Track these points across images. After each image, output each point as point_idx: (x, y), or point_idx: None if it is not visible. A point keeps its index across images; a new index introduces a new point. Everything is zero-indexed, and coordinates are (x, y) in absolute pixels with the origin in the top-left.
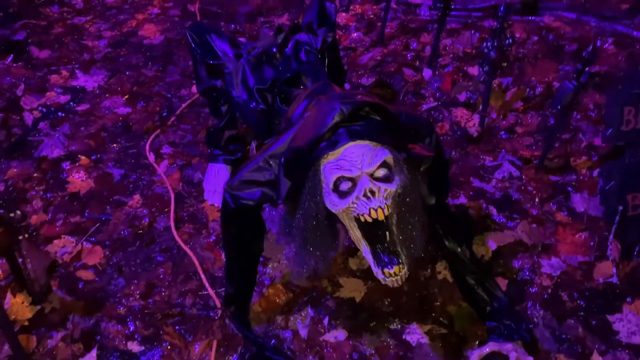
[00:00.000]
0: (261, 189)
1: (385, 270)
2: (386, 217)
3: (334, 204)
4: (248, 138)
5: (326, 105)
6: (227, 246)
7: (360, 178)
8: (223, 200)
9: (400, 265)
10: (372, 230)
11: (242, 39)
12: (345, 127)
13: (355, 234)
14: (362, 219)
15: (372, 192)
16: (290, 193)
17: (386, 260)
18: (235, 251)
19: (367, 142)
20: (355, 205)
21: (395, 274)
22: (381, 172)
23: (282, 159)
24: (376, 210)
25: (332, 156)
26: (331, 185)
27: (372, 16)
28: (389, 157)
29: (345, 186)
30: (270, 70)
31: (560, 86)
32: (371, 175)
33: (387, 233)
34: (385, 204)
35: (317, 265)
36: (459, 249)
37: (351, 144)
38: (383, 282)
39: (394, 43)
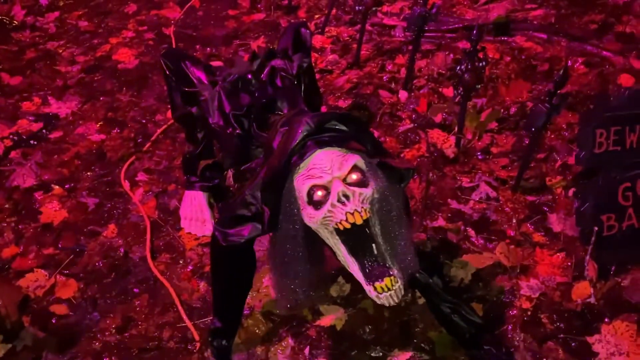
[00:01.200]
0: (250, 224)
1: (377, 284)
2: (369, 226)
3: (311, 217)
4: (225, 164)
5: (295, 123)
6: (217, 283)
7: (332, 184)
8: (213, 239)
9: (392, 278)
10: (357, 242)
11: (217, 63)
12: (314, 139)
13: (340, 250)
14: (340, 227)
15: (346, 196)
16: (272, 221)
17: (376, 273)
18: (226, 288)
19: (335, 149)
20: (331, 213)
21: (388, 288)
22: (353, 177)
23: (261, 185)
24: (353, 214)
25: (302, 168)
26: (305, 197)
27: (347, 38)
28: (360, 162)
29: (319, 195)
30: (246, 97)
31: (534, 109)
32: (344, 180)
33: (374, 245)
34: (362, 207)
35: (301, 295)
36: (431, 280)
37: (319, 151)
38: (378, 301)
39: (369, 65)
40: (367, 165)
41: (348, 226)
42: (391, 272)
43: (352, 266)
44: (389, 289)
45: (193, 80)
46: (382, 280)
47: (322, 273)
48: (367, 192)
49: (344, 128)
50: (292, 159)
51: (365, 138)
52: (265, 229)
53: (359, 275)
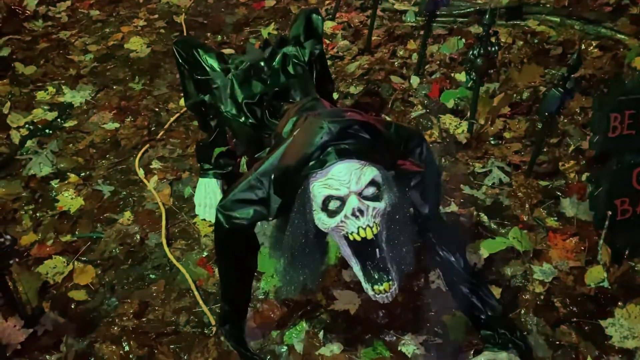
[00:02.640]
0: (254, 208)
1: (375, 287)
2: (375, 235)
3: (323, 223)
4: (238, 152)
5: (314, 124)
6: (222, 265)
7: (348, 197)
8: (216, 221)
9: (390, 282)
10: (362, 247)
11: (228, 50)
12: (334, 146)
13: (346, 251)
14: (350, 237)
15: (361, 212)
16: (280, 210)
17: (376, 277)
18: (230, 270)
19: (355, 161)
20: (344, 224)
21: (385, 291)
22: (370, 191)
23: (272, 177)
24: (365, 229)
25: (320, 175)
26: (320, 204)
27: (358, 24)
28: (377, 176)
29: (334, 205)
30: (258, 85)
31: (547, 94)
32: (359, 194)
33: (377, 250)
34: (374, 222)
35: (306, 281)
36: (453, 258)
37: (339, 163)
38: (373, 299)
39: (381, 50)
40: (383, 179)
41: (359, 239)
42: (390, 277)
43: (354, 266)
44: (385, 292)
45: (205, 68)
46: (381, 284)
47: (324, 262)
48: (381, 206)
49: (365, 135)
50: (310, 163)
51: (383, 147)
52: (271, 215)
53: (359, 274)
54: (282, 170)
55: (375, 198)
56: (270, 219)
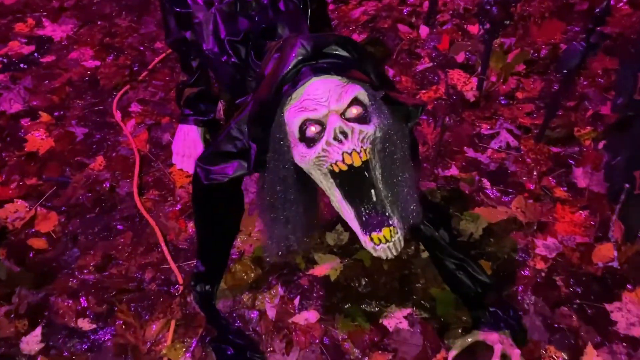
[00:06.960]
0: (236, 161)
1: (374, 234)
2: (368, 169)
3: (302, 156)
4: (223, 97)
5: (288, 47)
6: (200, 224)
7: (328, 118)
8: (194, 176)
9: (392, 228)
10: (354, 187)
11: None
12: (310, 65)
13: (334, 195)
14: (336, 168)
15: (344, 133)
16: (259, 158)
17: (374, 222)
18: (208, 229)
19: (334, 77)
20: (326, 153)
21: (386, 239)
22: (354, 111)
23: (248, 118)
24: (350, 154)
25: (295, 98)
26: (297, 133)
27: None
28: (361, 94)
29: (312, 131)
30: (244, 21)
31: (567, 48)
32: (342, 114)
33: (373, 190)
34: (362, 147)
35: (293, 241)
36: (436, 233)
37: (315, 79)
38: (374, 253)
39: None
40: (370, 99)
41: (344, 168)
42: (390, 222)
43: (347, 214)
44: (387, 241)
45: (186, 1)
46: (380, 231)
47: (317, 219)
48: (369, 129)
49: (345, 54)
50: (284, 88)
51: (369, 67)
52: (251, 167)
53: (354, 224)
54: (257, 106)
55: (362, 120)
56: (251, 171)
